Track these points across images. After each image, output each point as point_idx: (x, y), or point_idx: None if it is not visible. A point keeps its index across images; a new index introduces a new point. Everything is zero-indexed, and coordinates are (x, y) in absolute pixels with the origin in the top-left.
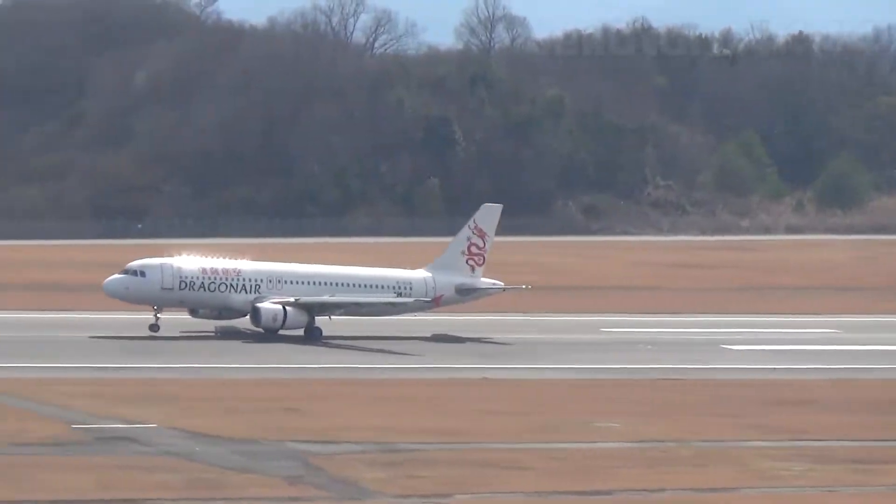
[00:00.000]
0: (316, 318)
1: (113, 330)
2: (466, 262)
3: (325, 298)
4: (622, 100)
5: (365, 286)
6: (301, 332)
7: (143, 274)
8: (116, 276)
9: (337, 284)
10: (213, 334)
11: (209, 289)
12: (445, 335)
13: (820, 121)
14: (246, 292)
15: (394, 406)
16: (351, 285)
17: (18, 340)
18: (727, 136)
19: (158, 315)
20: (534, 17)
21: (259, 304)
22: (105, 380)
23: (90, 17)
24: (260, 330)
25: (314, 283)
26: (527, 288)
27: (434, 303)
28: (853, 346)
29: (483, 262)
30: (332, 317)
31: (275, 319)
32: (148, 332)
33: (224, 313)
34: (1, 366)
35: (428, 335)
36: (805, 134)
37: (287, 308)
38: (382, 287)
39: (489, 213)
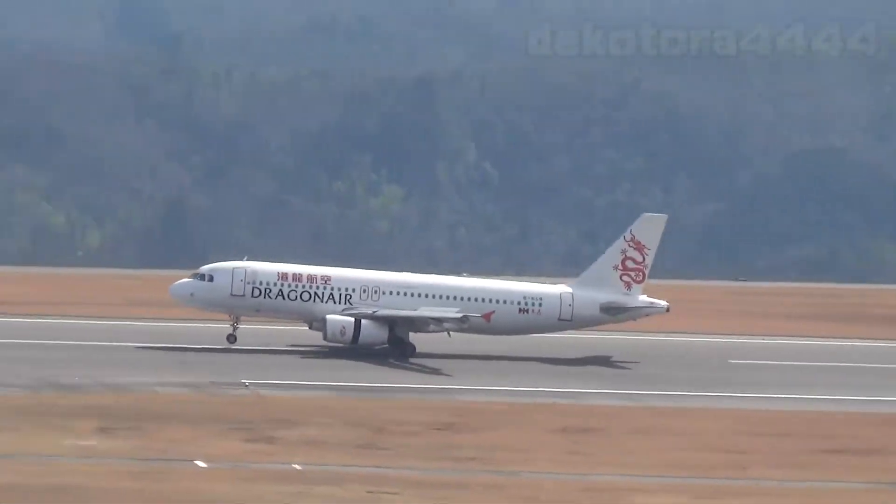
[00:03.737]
0: (411, 333)
1: None
2: (620, 277)
3: (403, 312)
4: None
5: (473, 300)
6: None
7: (211, 278)
8: (185, 279)
9: (439, 297)
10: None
11: (289, 297)
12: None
13: None
14: (334, 302)
15: None
16: (455, 298)
17: None
18: None
19: (236, 325)
20: None
21: (327, 315)
22: None
23: None
24: (331, 344)
25: (413, 294)
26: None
27: (484, 318)
28: None
29: (643, 279)
30: (451, 333)
31: (342, 332)
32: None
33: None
34: None
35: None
36: None
37: (362, 321)
38: (499, 301)
39: (650, 224)
